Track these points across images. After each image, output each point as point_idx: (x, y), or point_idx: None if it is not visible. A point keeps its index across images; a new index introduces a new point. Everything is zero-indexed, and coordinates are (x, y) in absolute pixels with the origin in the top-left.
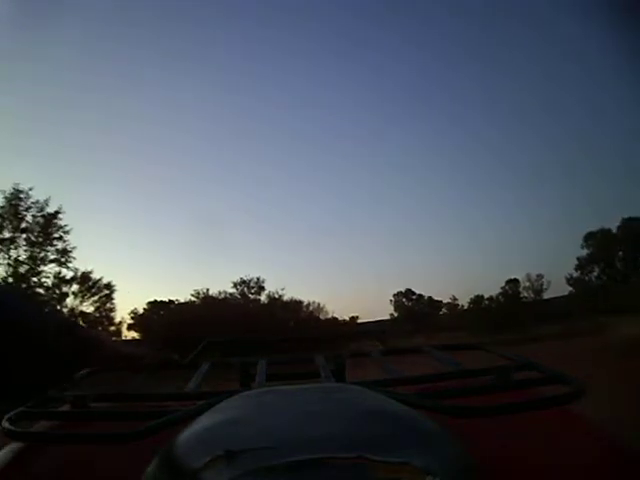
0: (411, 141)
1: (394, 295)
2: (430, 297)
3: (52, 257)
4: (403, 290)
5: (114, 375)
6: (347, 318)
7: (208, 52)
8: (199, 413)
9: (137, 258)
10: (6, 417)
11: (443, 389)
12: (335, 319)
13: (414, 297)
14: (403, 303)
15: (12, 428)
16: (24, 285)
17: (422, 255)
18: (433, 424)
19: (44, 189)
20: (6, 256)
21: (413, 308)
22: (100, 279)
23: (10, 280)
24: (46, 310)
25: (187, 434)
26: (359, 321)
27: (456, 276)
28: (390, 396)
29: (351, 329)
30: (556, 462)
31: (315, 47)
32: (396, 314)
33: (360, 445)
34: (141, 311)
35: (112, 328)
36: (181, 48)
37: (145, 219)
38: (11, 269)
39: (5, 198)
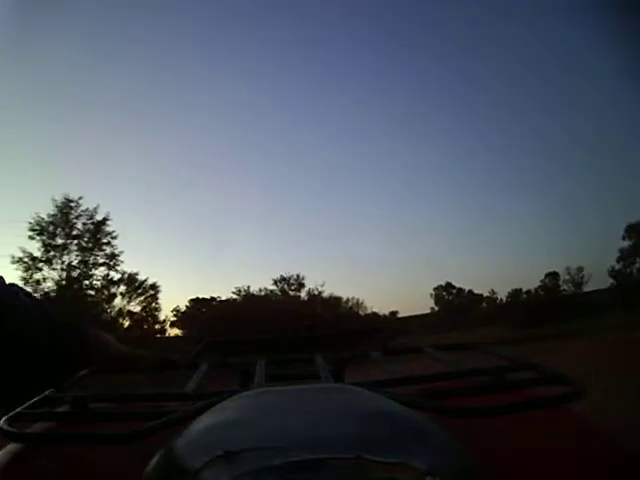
0: (451, 134)
1: (434, 289)
2: (470, 290)
3: (101, 261)
4: (443, 284)
5: (114, 375)
6: (387, 313)
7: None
8: (198, 413)
9: (179, 256)
10: (5, 418)
11: (443, 389)
12: (375, 314)
13: (454, 291)
14: (443, 297)
15: (11, 429)
16: (76, 287)
17: (463, 248)
18: (432, 424)
19: (91, 195)
20: (59, 261)
21: (453, 302)
22: (145, 280)
23: (64, 283)
24: (40, 306)
25: (186, 434)
26: (399, 316)
27: (496, 269)
28: (389, 396)
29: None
30: (556, 462)
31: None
32: (436, 308)
33: (359, 445)
34: (183, 308)
35: (157, 326)
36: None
37: (186, 218)
38: (64, 273)
39: (57, 207)
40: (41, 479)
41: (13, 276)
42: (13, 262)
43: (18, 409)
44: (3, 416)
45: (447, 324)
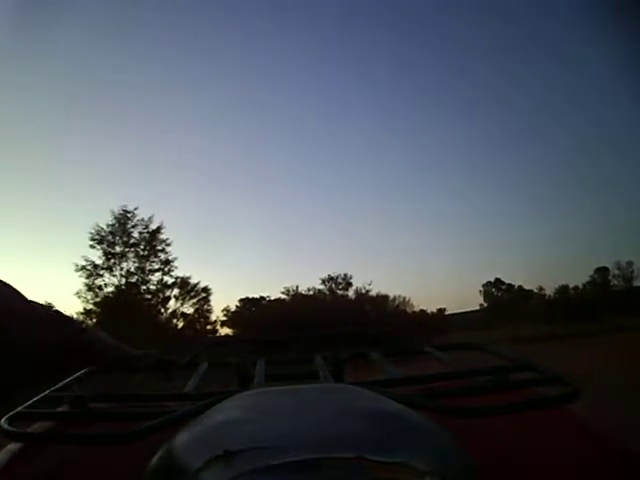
0: (500, 134)
1: (483, 285)
2: (520, 286)
3: (156, 267)
4: (492, 280)
5: (113, 375)
6: (435, 310)
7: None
8: (198, 413)
9: (230, 258)
10: (5, 417)
11: (442, 389)
12: (423, 311)
13: (503, 287)
14: (492, 293)
15: (10, 428)
16: (134, 291)
17: (513, 244)
18: (432, 424)
19: (145, 205)
20: (119, 268)
21: (503, 298)
22: (197, 283)
23: (123, 288)
24: (38, 308)
25: (186, 434)
26: (447, 313)
27: (544, 265)
28: (389, 396)
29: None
30: (555, 462)
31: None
32: (486, 304)
33: (359, 445)
34: (233, 308)
35: (208, 327)
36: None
37: (237, 222)
38: (123, 279)
39: (115, 218)
40: (41, 479)
41: (78, 282)
42: (77, 270)
43: (18, 408)
44: (3, 416)
45: (494, 320)
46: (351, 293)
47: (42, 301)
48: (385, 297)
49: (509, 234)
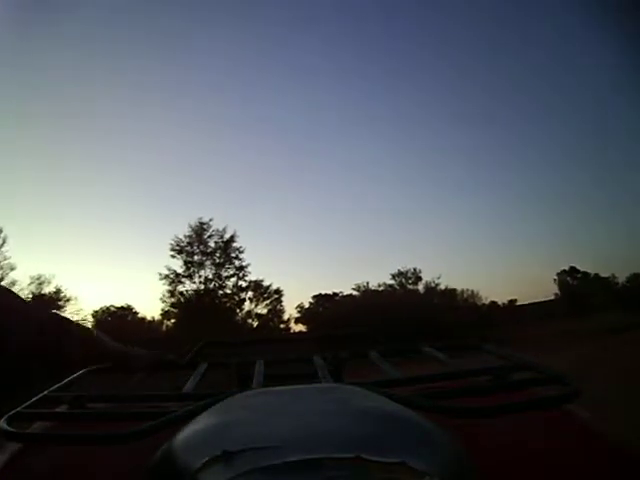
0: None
1: (557, 274)
2: (597, 274)
3: (231, 272)
4: (567, 268)
5: (112, 375)
6: (506, 302)
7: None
8: (197, 414)
9: (303, 255)
10: (4, 417)
11: (442, 389)
12: (494, 303)
13: (578, 275)
14: (567, 282)
15: (10, 429)
16: (213, 296)
17: (589, 229)
18: (431, 424)
19: (219, 215)
20: (198, 275)
21: (578, 287)
22: (270, 285)
23: (202, 293)
24: (35, 308)
25: (185, 435)
26: (518, 304)
27: (617, 253)
28: (388, 397)
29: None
30: (555, 462)
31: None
32: (560, 294)
33: (358, 445)
34: (307, 305)
35: (282, 325)
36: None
37: (308, 219)
38: (202, 285)
39: (192, 229)
40: (40, 478)
41: (162, 289)
42: (161, 278)
43: (17, 409)
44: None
45: (567, 311)
46: (421, 287)
47: (126, 304)
48: (453, 290)
49: (583, 220)
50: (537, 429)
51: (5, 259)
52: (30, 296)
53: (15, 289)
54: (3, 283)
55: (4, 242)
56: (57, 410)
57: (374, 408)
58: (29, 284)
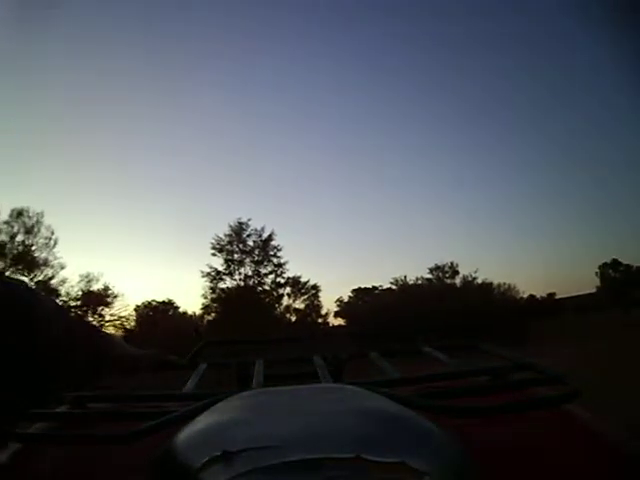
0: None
1: (599, 267)
2: (639, 267)
3: (270, 270)
4: (609, 261)
5: (112, 375)
6: (545, 295)
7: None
8: (197, 414)
9: (342, 250)
10: (4, 417)
11: (441, 389)
12: (532, 297)
13: (621, 268)
14: (609, 275)
15: (10, 429)
16: (252, 292)
17: (631, 222)
18: (430, 424)
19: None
20: (238, 273)
21: (620, 280)
22: (307, 281)
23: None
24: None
25: (185, 435)
26: (557, 297)
27: None
28: (388, 397)
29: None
30: (555, 462)
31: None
32: (602, 287)
33: (357, 445)
34: (346, 299)
35: (320, 320)
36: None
37: (349, 215)
38: (242, 282)
39: (232, 229)
40: (41, 478)
41: (203, 286)
42: (203, 276)
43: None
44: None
45: (607, 304)
46: (458, 281)
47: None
48: (489, 284)
49: (624, 213)
50: (537, 429)
51: (56, 259)
52: (80, 293)
53: (65, 287)
54: (53, 281)
55: (56, 243)
56: (57, 410)
57: (374, 408)
58: (78, 282)
